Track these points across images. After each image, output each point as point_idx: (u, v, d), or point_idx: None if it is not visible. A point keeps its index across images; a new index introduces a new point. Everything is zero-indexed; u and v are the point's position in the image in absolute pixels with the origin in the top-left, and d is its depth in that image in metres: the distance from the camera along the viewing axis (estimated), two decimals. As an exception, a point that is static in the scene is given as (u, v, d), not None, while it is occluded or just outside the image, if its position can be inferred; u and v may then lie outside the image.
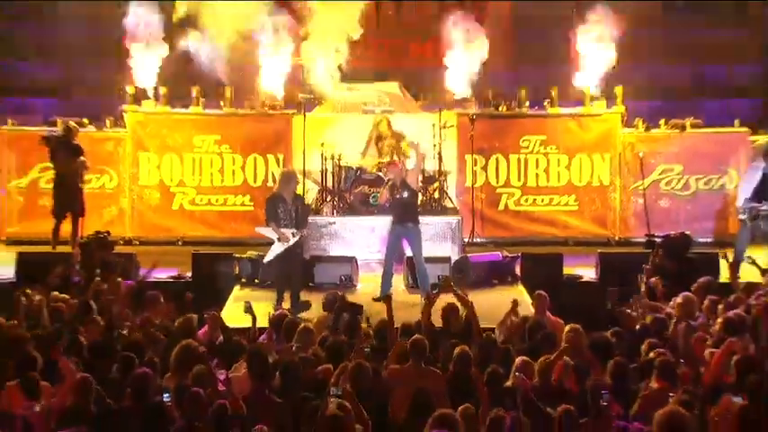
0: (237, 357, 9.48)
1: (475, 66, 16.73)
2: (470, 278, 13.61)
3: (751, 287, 11.83)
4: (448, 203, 16.02)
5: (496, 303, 10.81)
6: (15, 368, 8.97)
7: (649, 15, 18.27)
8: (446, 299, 11.29)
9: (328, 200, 15.91)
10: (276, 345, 10.04)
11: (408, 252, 13.97)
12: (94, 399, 8.36)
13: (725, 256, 13.03)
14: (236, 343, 10.09)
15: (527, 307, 11.62)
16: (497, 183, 16.43)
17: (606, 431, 7.76)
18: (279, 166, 16.07)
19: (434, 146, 16.08)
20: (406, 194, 14.04)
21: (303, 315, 12.15)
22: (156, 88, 16.82)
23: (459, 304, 10.90)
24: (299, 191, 14.70)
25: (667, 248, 13.89)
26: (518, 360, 8.99)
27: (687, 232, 14.47)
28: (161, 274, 13.79)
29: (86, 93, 17.47)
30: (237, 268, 14.57)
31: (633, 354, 9.66)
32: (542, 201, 16.47)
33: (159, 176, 16.40)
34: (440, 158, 16.07)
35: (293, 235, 13.69)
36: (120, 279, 12.87)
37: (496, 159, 16.39)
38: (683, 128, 16.57)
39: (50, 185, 15.69)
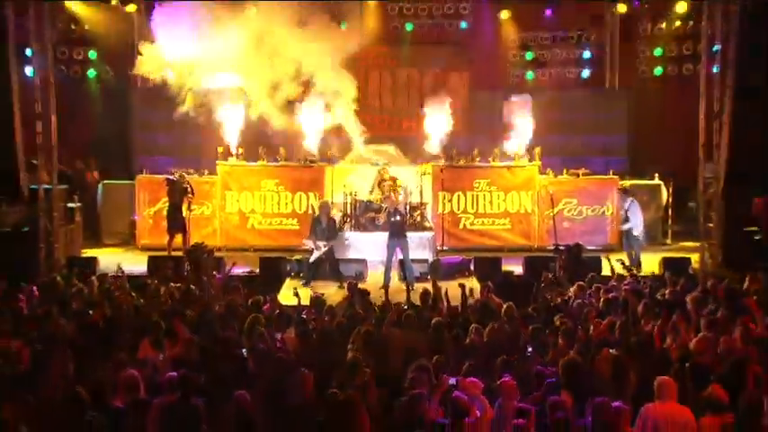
0: (288, 325, 9.60)
1: (443, 134, 16.63)
2: (441, 274, 13.52)
3: (622, 278, 11.89)
4: (426, 224, 15.91)
5: (458, 290, 10.80)
6: (147, 331, 9.07)
7: (556, 100, 18.28)
8: (424, 286, 11.45)
9: (348, 222, 15.83)
10: (314, 316, 10.12)
11: (400, 256, 13.95)
12: (198, 351, 8.46)
13: (607, 258, 13.05)
14: (287, 315, 10.19)
15: (477, 292, 11.66)
16: (458, 210, 16.30)
17: (530, 372, 7.83)
18: (316, 199, 15.93)
19: (417, 186, 16.04)
20: (398, 218, 14.15)
21: (333, 296, 12.02)
22: (237, 148, 16.78)
23: (432, 289, 11.03)
24: (332, 214, 14.79)
25: (568, 253, 13.96)
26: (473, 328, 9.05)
27: (580, 243, 14.55)
28: (239, 271, 13.76)
29: (192, 152, 17.40)
30: (288, 267, 14.56)
31: (547, 322, 9.68)
32: (487, 222, 16.35)
33: (238, 206, 16.35)
34: (420, 194, 16.01)
35: (324, 246, 13.87)
36: (213, 273, 12.95)
37: (458, 195, 16.28)
38: (578, 175, 16.60)
39: (166, 213, 15.72)
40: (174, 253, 14.89)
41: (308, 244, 14.37)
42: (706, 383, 7.18)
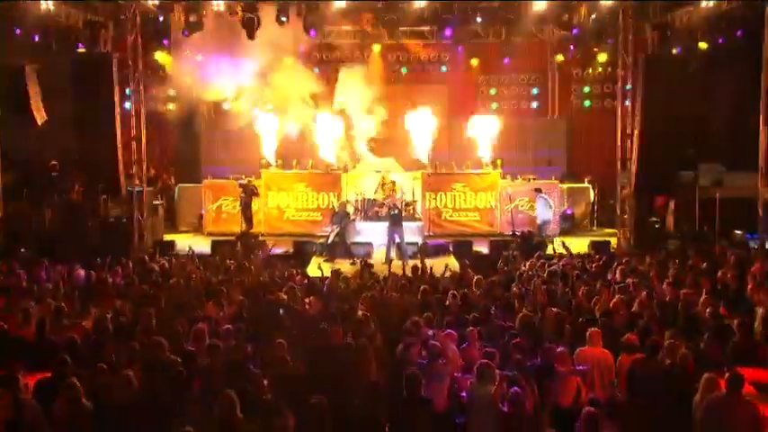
0: (314, 291, 9.57)
1: (429, 147, 16.56)
2: (428, 253, 13.49)
3: (561, 256, 11.89)
4: (416, 216, 15.85)
5: (441, 265, 10.81)
6: (210, 295, 9.07)
7: (513, 125, 18.13)
8: (415, 262, 11.44)
9: (358, 214, 15.74)
10: (333, 284, 10.10)
11: (397, 240, 13.92)
12: (248, 310, 8.45)
13: (552, 242, 13.05)
14: (313, 284, 10.18)
15: (455, 267, 11.68)
16: (441, 206, 16.09)
17: (494, 325, 7.79)
18: (336, 198, 15.77)
19: (410, 188, 16.00)
20: (396, 212, 14.14)
21: (347, 269, 11.96)
22: (276, 159, 16.65)
23: (420, 265, 11.02)
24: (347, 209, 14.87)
25: (522, 238, 13.97)
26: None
27: (532, 229, 14.55)
28: (277, 251, 13.78)
29: (242, 163, 17.32)
30: (314, 248, 14.45)
31: (507, 288, 9.70)
32: (462, 215, 16.14)
33: (277, 203, 16.17)
34: (413, 194, 15.96)
35: (334, 227, 14.16)
36: (258, 253, 12.96)
37: (440, 195, 16.07)
38: (529, 180, 16.47)
39: (236, 208, 15.66)
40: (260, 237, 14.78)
41: (328, 230, 14.45)
42: (622, 332, 7.24)
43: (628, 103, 14.61)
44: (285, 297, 8.74)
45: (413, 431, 5.80)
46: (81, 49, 14.28)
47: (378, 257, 13.56)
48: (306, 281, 10.40)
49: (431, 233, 15.72)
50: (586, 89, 19.12)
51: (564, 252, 12.10)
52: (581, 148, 18.52)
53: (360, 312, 8.09)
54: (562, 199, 15.51)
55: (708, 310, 8.06)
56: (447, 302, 8.76)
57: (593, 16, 14.05)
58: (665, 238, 14.24)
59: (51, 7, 12.45)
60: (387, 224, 14.21)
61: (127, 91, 14.88)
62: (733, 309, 8.51)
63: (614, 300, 8.50)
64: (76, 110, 13.82)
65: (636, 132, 14.25)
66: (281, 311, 8.35)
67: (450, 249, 14.37)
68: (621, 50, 14.60)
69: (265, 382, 6.08)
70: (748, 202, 12.66)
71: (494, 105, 19.47)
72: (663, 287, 9.39)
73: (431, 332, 7.25)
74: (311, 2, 14.35)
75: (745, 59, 13.36)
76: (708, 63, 14.75)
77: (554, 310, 8.04)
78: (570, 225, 16.31)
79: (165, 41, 15.77)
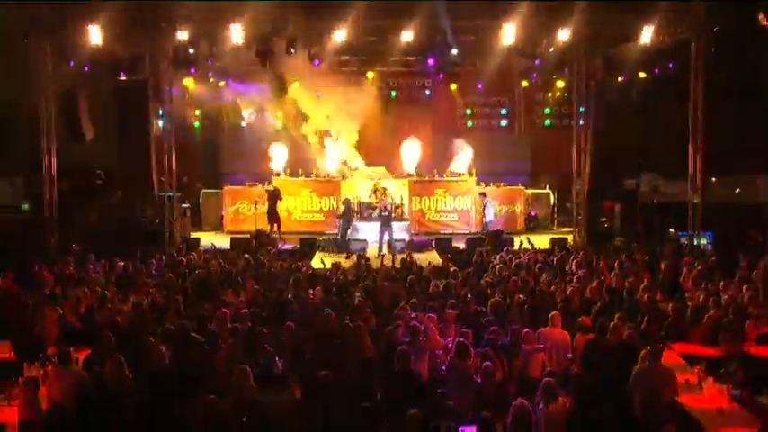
0: (317, 282, 9.53)
1: (416, 158, 16.55)
2: (414, 248, 13.47)
3: (527, 251, 11.95)
4: (404, 216, 15.71)
5: (426, 259, 10.81)
6: (230, 284, 9.06)
7: (486, 139, 18.13)
8: (403, 256, 11.45)
9: (355, 215, 15.55)
10: (333, 275, 10.07)
11: (387, 237, 13.90)
12: (261, 296, 8.43)
13: (520, 239, 13.08)
14: (316, 275, 10.15)
15: (437, 260, 11.68)
16: (425, 208, 16.07)
17: (470, 310, 7.76)
18: (336, 202, 15.72)
19: (399, 193, 15.90)
20: (386, 213, 14.14)
21: (345, 262, 11.90)
22: (284, 168, 16.57)
23: (408, 258, 11.02)
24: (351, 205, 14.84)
25: (492, 235, 14.00)
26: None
27: (501, 228, 14.58)
28: (286, 247, 13.77)
29: (254, 171, 17.17)
30: (317, 244, 14.30)
31: (480, 278, 9.69)
32: (443, 216, 16.11)
33: (286, 205, 15.98)
34: (401, 198, 15.86)
35: (338, 221, 14.18)
36: (270, 248, 12.94)
37: (424, 198, 16.04)
38: (499, 186, 16.46)
39: (251, 211, 15.59)
40: (273, 234, 14.58)
41: (337, 222, 14.57)
42: (577, 315, 7.29)
43: (581, 123, 14.71)
44: (293, 287, 8.70)
45: (402, 399, 5.83)
46: (122, 77, 14.42)
47: (371, 252, 13.44)
48: (310, 272, 10.36)
49: (416, 231, 15.66)
50: (547, 110, 19.11)
51: (529, 247, 12.16)
52: (542, 160, 18.42)
53: (356, 299, 8.11)
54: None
55: (647, 296, 8.15)
56: (430, 290, 8.80)
57: (552, 49, 14.12)
58: (613, 236, 14.34)
59: (100, 42, 12.64)
60: (379, 224, 14.18)
61: (160, 111, 14.86)
62: (668, 295, 8.64)
63: (571, 288, 8.55)
64: (119, 128, 14.35)
65: (588, 147, 14.42)
66: (289, 298, 8.33)
67: (433, 245, 14.33)
68: (575, 79, 14.70)
69: (277, 358, 6.10)
70: (681, 205, 13.16)
71: (469, 123, 19.45)
72: (611, 277, 9.46)
73: (414, 314, 7.27)
74: (315, 35, 14.34)
75: (677, 86, 13.58)
76: (646, 90, 15.07)
77: (520, 296, 8.08)
78: (534, 224, 16.39)
79: (193, 69, 15.71)
